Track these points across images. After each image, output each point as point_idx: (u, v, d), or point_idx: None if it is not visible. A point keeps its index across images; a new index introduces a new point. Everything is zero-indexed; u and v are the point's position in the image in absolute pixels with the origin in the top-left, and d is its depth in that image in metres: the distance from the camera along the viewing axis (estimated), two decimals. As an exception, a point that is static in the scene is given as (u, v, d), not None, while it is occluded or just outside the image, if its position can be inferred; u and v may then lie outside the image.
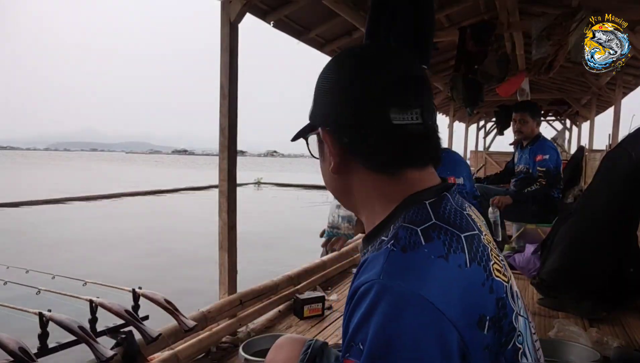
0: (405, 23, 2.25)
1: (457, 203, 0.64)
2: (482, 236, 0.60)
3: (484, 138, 12.26)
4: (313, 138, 0.72)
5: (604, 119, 8.51)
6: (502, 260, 0.61)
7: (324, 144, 0.68)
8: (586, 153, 5.22)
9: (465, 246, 0.56)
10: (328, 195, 1.30)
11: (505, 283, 0.57)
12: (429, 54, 2.37)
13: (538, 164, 3.29)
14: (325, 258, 3.48)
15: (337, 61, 0.69)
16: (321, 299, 2.60)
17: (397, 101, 0.62)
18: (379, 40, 2.27)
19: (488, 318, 0.53)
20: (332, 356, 0.91)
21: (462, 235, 0.57)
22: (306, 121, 0.74)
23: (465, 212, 0.63)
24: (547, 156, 3.25)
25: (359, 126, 0.63)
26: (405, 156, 0.63)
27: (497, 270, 0.58)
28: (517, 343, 0.55)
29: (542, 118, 3.66)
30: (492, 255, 0.59)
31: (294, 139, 0.76)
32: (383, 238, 0.60)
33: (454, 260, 0.54)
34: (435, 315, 0.49)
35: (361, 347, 0.51)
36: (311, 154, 0.74)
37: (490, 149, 12.24)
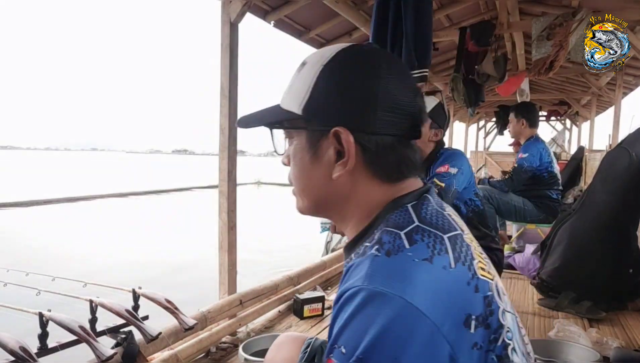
0: (407, 25, 2.26)
1: (437, 203, 0.64)
2: (464, 235, 0.61)
3: (484, 138, 12.28)
4: (279, 132, 0.69)
5: (604, 119, 8.53)
6: (485, 258, 0.62)
7: (320, 144, 0.63)
8: (586, 153, 5.22)
9: (448, 247, 0.56)
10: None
11: (490, 281, 0.58)
12: (429, 54, 2.38)
13: (517, 161, 3.31)
14: (325, 258, 3.49)
15: (367, 58, 0.64)
16: (321, 299, 2.59)
17: (419, 115, 0.65)
18: (383, 43, 2.29)
19: (474, 317, 0.53)
20: (332, 355, 0.91)
21: (445, 236, 0.58)
22: None
23: (445, 212, 0.64)
24: (525, 155, 3.24)
25: (388, 135, 0.62)
26: (412, 165, 0.65)
27: (482, 269, 0.58)
28: (506, 339, 0.56)
29: (539, 119, 3.62)
30: (475, 253, 0.59)
31: (257, 124, 0.69)
32: (367, 244, 0.60)
33: (438, 262, 0.54)
34: (420, 319, 0.50)
35: (343, 350, 0.51)
36: (274, 150, 0.70)
37: (490, 150, 12.26)
